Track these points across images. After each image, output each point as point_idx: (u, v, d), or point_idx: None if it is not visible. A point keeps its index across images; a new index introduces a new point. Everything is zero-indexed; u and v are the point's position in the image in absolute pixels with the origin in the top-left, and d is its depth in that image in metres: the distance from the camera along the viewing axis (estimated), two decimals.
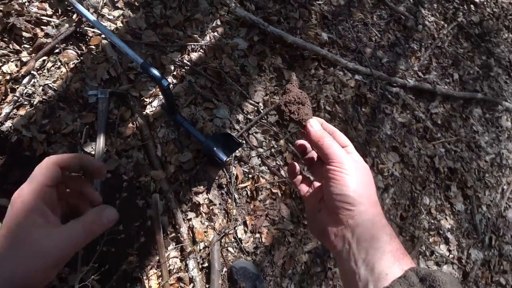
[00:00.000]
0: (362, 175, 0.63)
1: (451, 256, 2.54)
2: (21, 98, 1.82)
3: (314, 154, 0.78)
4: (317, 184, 0.75)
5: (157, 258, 1.83)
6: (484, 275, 2.65)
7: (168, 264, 1.81)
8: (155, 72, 1.82)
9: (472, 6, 3.48)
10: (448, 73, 3.04)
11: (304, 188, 0.76)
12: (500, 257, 2.77)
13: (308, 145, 0.80)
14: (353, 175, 0.61)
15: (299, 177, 0.78)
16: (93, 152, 1.85)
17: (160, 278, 1.77)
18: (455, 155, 2.79)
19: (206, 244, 1.89)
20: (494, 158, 3.00)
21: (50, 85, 1.91)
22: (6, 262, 0.50)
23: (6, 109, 1.78)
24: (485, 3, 3.57)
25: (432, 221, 2.56)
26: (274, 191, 2.07)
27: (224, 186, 2.01)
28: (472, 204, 2.74)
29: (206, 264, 1.87)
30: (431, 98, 2.85)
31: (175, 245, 1.86)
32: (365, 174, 0.64)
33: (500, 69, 3.37)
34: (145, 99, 1.98)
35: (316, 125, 0.68)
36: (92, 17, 1.88)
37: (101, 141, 1.87)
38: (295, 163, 0.79)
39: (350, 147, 0.68)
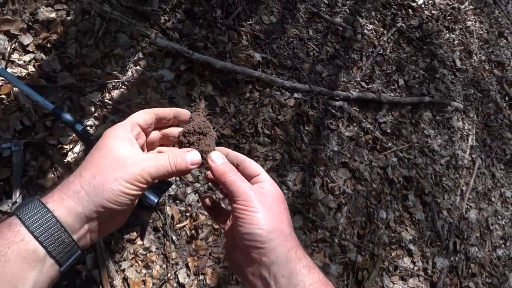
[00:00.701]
0: (271, 208, 0.60)
1: (415, 268, 2.45)
2: None
3: None
4: None
5: None
6: (453, 282, 2.57)
7: None
8: (68, 116, 1.69)
9: (410, 10, 3.48)
10: (393, 80, 3.01)
11: (222, 221, 0.73)
12: (467, 261, 2.70)
13: None
14: (261, 211, 0.58)
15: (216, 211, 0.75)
16: (9, 211, 1.69)
17: None
18: (409, 163, 2.73)
19: None
20: (449, 160, 2.96)
21: None
22: (89, 169, 0.54)
23: None
24: (423, 6, 3.59)
25: (392, 235, 2.47)
26: (216, 226, 1.95)
27: (160, 228, 1.87)
28: (432, 211, 2.68)
29: None
30: (378, 108, 2.79)
31: None
32: (274, 207, 0.61)
33: (445, 69, 3.37)
34: (65, 146, 1.84)
35: (218, 159, 0.64)
36: None
37: (17, 197, 1.72)
38: (207, 198, 0.75)
39: (263, 175, 0.66)
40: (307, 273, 0.57)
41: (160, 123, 0.67)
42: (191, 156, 0.61)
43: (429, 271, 2.49)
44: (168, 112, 0.67)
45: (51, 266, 0.49)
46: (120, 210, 0.55)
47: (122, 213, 0.58)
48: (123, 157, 0.55)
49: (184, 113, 0.69)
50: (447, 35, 3.61)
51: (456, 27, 3.74)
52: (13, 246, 0.46)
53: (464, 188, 2.94)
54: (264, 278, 0.58)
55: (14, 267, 0.46)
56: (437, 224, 2.65)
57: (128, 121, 0.61)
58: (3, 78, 1.86)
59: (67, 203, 0.51)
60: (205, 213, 1.95)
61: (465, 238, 2.76)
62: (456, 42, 3.63)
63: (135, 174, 0.54)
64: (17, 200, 1.70)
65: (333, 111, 2.56)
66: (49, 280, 0.49)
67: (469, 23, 3.86)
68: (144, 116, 0.63)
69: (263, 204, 0.59)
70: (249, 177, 0.66)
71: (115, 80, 1.99)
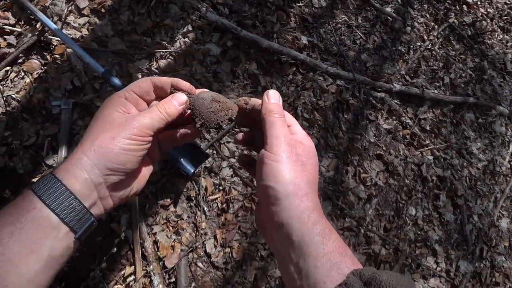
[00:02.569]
0: (295, 161, 0.56)
1: (438, 268, 2.43)
2: None
3: None
4: None
5: (122, 273, 1.76)
6: None
7: (132, 280, 1.74)
8: (116, 81, 1.75)
9: (464, 6, 3.35)
10: (439, 77, 2.92)
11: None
12: (492, 269, 2.65)
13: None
14: (282, 160, 0.55)
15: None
16: (54, 165, 1.79)
17: None
18: (444, 163, 2.68)
19: (172, 259, 1.82)
20: (486, 165, 2.87)
21: (14, 96, 1.85)
22: (87, 137, 0.55)
23: None
24: (478, 3, 3.44)
25: (419, 232, 2.44)
26: (247, 205, 1.98)
27: (193, 198, 1.93)
28: (462, 214, 2.63)
29: (173, 279, 1.79)
30: (420, 103, 2.73)
31: (140, 260, 1.78)
32: (301, 159, 0.57)
33: (494, 71, 3.24)
34: None
35: (273, 98, 0.62)
36: (53, 25, 1.82)
37: (63, 153, 1.80)
38: (241, 134, 0.74)
39: (295, 126, 0.63)
40: (321, 241, 0.51)
41: (161, 92, 0.66)
42: (176, 98, 0.62)
43: (451, 274, 2.46)
44: (166, 81, 0.65)
45: (67, 233, 0.51)
46: (126, 171, 0.56)
47: (131, 176, 0.59)
48: (116, 118, 0.56)
49: (183, 84, 0.67)
50: (501, 36, 3.46)
51: None
52: (27, 214, 0.48)
53: (498, 195, 2.86)
54: (278, 239, 0.55)
55: (29, 233, 0.48)
56: (465, 227, 2.61)
57: (124, 89, 0.63)
58: (58, 39, 1.93)
59: (73, 171, 0.52)
60: (238, 188, 1.99)
61: (493, 246, 2.70)
62: (509, 44, 3.46)
63: (131, 129, 0.55)
64: (64, 156, 1.79)
65: (374, 102, 2.53)
66: (66, 247, 0.51)
67: None
68: (140, 83, 0.63)
69: (289, 156, 0.56)
70: None
71: (163, 50, 2.03)
